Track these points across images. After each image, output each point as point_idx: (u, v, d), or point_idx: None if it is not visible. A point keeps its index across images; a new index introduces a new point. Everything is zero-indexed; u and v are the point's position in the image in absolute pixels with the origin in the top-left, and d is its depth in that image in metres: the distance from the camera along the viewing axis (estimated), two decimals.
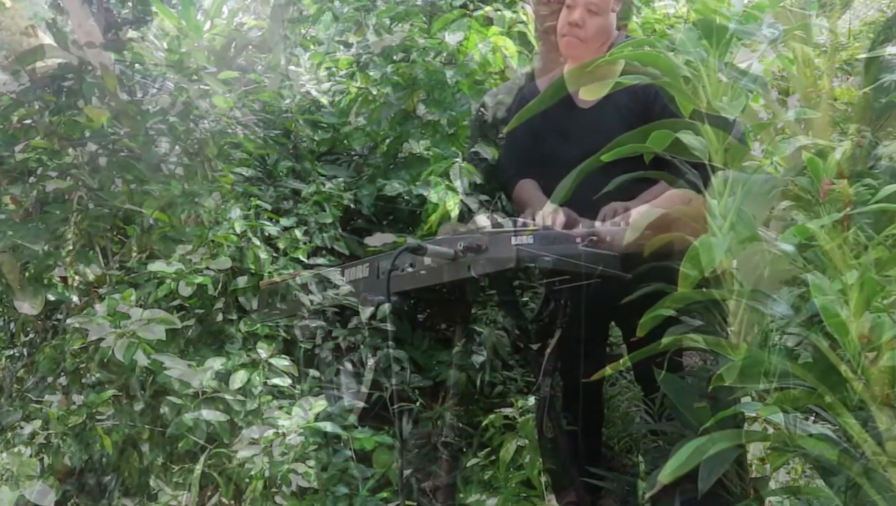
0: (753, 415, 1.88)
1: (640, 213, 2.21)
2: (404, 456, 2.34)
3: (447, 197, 2.86)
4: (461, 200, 2.87)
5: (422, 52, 3.27)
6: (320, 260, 2.84)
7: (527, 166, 2.73)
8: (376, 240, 2.86)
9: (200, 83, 2.92)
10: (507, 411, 2.90)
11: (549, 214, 2.35)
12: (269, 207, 2.93)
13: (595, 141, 2.13)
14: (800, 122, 1.82)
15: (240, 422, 2.47)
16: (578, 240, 2.18)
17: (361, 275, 2.58)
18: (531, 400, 2.85)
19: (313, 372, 2.60)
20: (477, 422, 2.96)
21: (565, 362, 2.51)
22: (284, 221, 2.89)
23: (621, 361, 2.01)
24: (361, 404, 2.55)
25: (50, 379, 2.77)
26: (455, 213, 2.83)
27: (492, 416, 2.90)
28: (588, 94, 2.33)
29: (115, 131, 2.88)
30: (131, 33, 3.15)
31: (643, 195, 2.41)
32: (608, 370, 2.03)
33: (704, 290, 1.75)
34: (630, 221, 2.21)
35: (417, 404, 2.59)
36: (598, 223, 2.34)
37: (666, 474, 1.61)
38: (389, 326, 2.47)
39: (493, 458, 2.90)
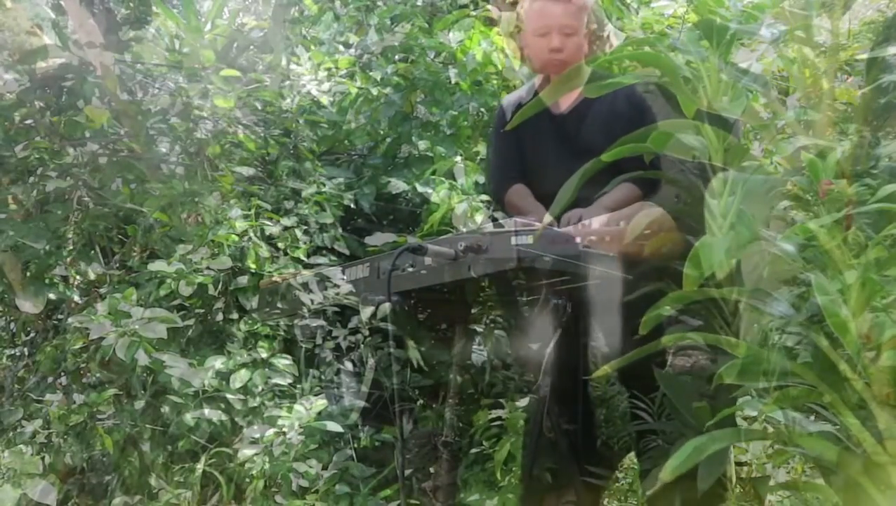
0: (753, 414, 1.88)
1: (600, 221, 2.27)
2: (405, 455, 2.34)
3: (451, 196, 2.87)
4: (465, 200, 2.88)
5: (422, 53, 3.28)
6: (321, 260, 2.85)
7: (513, 171, 2.75)
8: (377, 239, 2.87)
9: (202, 83, 2.92)
10: (500, 411, 2.90)
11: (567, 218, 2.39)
12: (269, 207, 2.94)
13: (570, 145, 2.18)
14: (800, 121, 1.82)
15: (241, 421, 2.47)
16: (578, 240, 2.18)
17: (362, 275, 2.58)
18: (522, 400, 2.84)
19: (314, 371, 2.61)
20: (477, 422, 2.96)
21: (557, 361, 2.51)
22: (285, 221, 2.90)
23: (615, 362, 2.00)
24: (362, 404, 2.56)
25: (51, 378, 2.77)
26: (459, 211, 2.84)
27: (482, 419, 2.89)
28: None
29: (116, 131, 2.89)
30: (132, 33, 3.16)
31: (602, 200, 2.43)
32: (607, 369, 2.03)
33: (704, 288, 1.75)
34: (585, 228, 2.26)
35: (418, 403, 2.59)
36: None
37: (667, 472, 1.61)
38: (390, 326, 2.47)
39: (490, 459, 2.90)
